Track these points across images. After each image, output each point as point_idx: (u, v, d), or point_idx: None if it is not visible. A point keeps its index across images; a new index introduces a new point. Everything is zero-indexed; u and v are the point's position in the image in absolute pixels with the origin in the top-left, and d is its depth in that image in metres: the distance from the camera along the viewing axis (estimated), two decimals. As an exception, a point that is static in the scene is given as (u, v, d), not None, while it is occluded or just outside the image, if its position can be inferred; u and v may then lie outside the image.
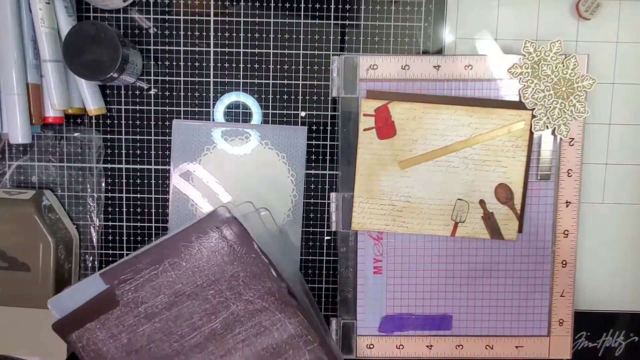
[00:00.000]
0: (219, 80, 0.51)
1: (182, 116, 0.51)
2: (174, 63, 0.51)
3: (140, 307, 0.44)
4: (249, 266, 0.44)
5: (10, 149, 0.52)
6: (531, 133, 0.49)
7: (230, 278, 0.44)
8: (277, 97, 0.51)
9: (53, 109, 0.48)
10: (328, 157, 0.52)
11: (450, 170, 0.50)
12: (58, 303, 0.45)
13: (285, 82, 0.51)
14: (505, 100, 0.50)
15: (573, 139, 0.50)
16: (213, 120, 0.51)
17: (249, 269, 0.44)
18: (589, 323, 0.53)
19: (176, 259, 0.44)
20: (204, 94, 0.51)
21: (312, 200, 0.52)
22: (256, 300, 0.44)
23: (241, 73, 0.51)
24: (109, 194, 0.52)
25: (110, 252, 0.53)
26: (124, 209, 0.52)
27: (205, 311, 0.44)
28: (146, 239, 0.52)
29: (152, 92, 0.51)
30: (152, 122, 0.51)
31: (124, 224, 0.52)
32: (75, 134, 0.52)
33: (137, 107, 0.51)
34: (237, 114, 0.51)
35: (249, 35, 0.51)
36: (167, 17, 0.51)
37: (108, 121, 0.51)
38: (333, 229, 0.52)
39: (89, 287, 0.44)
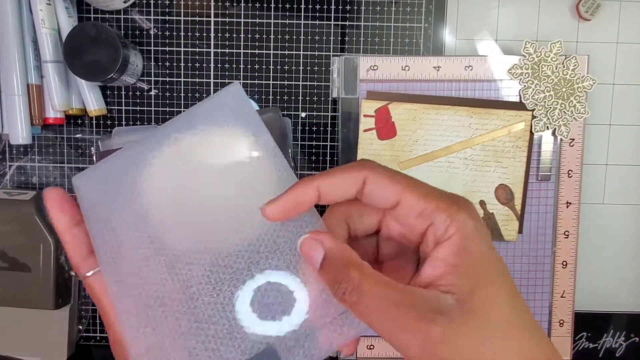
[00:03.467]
0: (219, 81, 0.51)
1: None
2: (175, 64, 0.51)
3: None
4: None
5: (10, 150, 0.52)
6: (531, 134, 0.49)
7: None
8: (278, 97, 0.51)
9: (54, 110, 0.48)
10: (328, 158, 0.52)
11: (451, 171, 0.50)
12: (119, 131, 0.48)
13: (286, 82, 0.51)
14: (505, 101, 0.50)
15: (573, 139, 0.50)
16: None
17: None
18: (590, 324, 0.53)
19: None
20: (205, 95, 0.51)
21: (312, 201, 0.52)
22: None
23: (241, 74, 0.51)
24: (110, 195, 0.52)
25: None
26: (125, 210, 0.52)
27: None
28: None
29: (153, 92, 0.51)
30: (153, 123, 0.51)
31: (125, 224, 0.52)
32: (76, 135, 0.52)
33: (138, 108, 0.51)
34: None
35: (249, 36, 0.51)
36: (167, 18, 0.51)
37: (109, 122, 0.51)
38: (333, 229, 0.51)
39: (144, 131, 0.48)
